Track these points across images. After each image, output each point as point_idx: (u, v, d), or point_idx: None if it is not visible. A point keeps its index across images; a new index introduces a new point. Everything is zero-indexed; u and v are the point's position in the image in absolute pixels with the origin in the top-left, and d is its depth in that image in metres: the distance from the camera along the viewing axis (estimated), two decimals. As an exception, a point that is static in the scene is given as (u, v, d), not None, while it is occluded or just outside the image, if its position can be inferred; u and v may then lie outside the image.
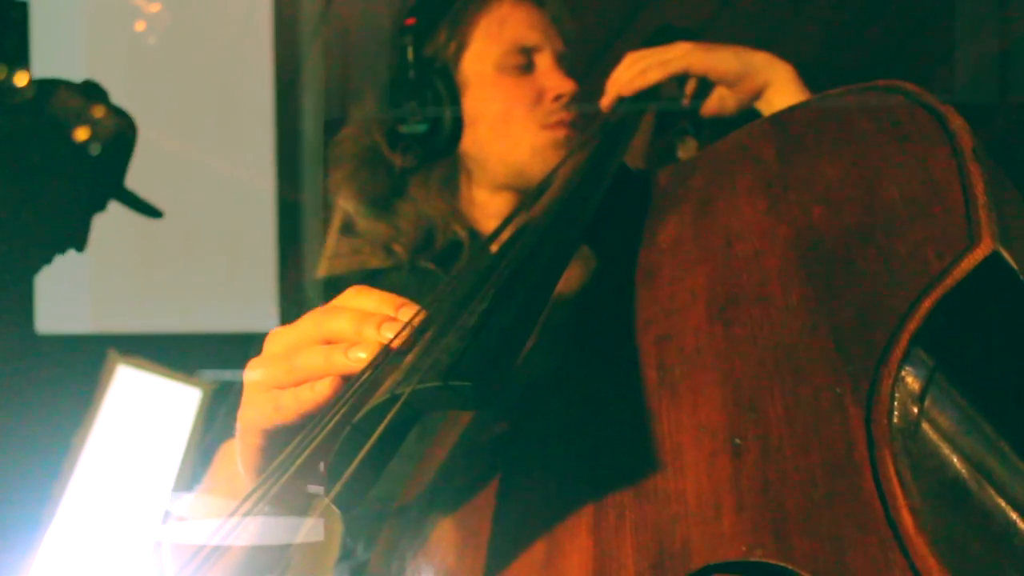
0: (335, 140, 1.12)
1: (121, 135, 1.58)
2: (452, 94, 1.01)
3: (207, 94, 1.69)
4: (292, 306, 1.22)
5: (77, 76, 1.50)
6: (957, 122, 0.46)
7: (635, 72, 0.97)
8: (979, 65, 1.76)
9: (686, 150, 1.03)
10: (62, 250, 1.53)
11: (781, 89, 0.96)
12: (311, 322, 0.51)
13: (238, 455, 0.56)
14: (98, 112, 1.54)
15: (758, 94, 0.97)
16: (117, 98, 1.52)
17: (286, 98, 1.61)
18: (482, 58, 1.02)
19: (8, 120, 1.43)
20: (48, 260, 1.49)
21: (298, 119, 1.64)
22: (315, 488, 0.45)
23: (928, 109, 0.48)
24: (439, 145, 1.01)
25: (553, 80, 1.01)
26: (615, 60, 1.14)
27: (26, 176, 1.43)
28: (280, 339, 0.52)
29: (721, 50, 0.97)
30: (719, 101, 0.99)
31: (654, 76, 0.97)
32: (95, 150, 1.54)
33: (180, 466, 1.58)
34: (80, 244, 1.55)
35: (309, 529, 0.49)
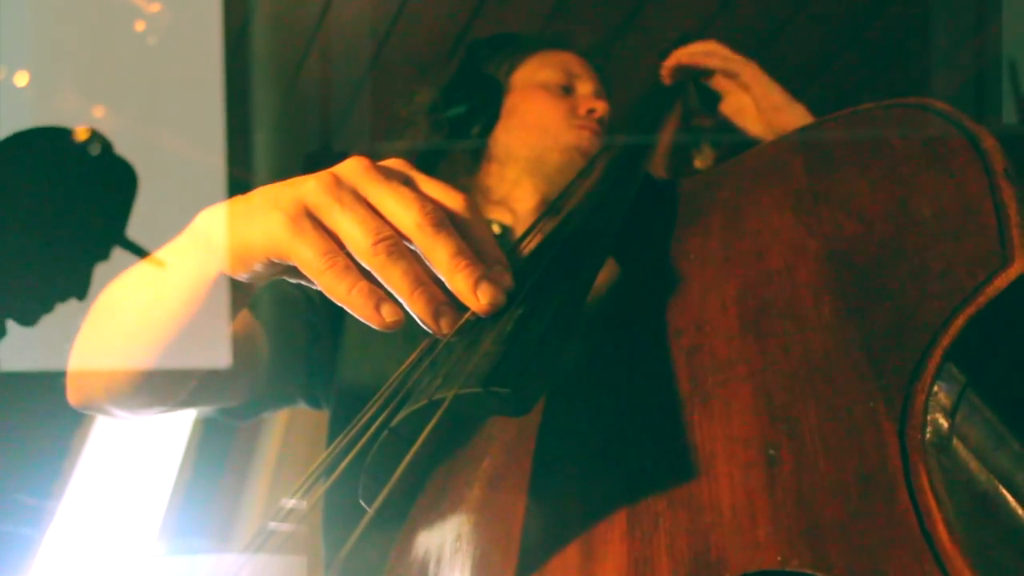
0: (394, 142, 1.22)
1: (124, 184, 1.61)
2: (497, 95, 1.09)
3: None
4: None
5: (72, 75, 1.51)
6: (989, 142, 0.46)
7: (700, 50, 1.06)
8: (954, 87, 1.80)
9: (702, 159, 1.05)
10: (64, 299, 1.55)
11: None
12: (422, 210, 0.45)
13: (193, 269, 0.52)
14: (104, 162, 1.57)
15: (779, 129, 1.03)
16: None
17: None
18: (531, 74, 1.11)
19: (22, 172, 1.46)
20: (49, 309, 1.51)
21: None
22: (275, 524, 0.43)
23: (959, 128, 0.49)
24: (472, 125, 1.09)
25: (589, 100, 1.08)
26: (615, 60, 1.20)
27: (37, 226, 1.45)
28: (383, 195, 0.46)
29: (774, 82, 1.05)
30: (738, 108, 1.03)
31: (713, 63, 1.05)
32: (101, 199, 1.57)
33: (180, 467, 1.59)
34: (82, 293, 1.57)
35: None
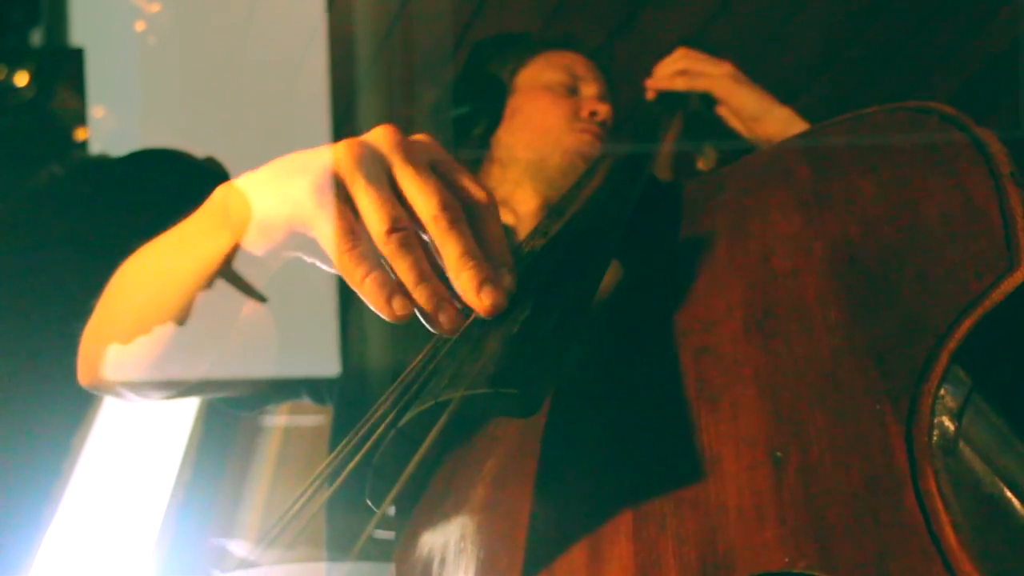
0: None
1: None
2: (501, 95, 1.09)
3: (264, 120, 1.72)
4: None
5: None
6: (996, 146, 0.47)
7: (670, 71, 1.07)
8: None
9: (705, 161, 1.05)
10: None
11: None
12: (440, 203, 0.45)
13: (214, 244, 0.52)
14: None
15: (763, 137, 1.03)
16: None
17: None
18: (536, 75, 1.11)
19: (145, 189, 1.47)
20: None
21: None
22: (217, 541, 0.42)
23: (965, 132, 0.49)
24: (475, 125, 1.09)
25: (592, 103, 1.08)
26: (616, 61, 1.20)
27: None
28: (407, 178, 0.46)
29: (749, 88, 1.04)
30: (728, 113, 1.04)
31: (680, 85, 1.06)
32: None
33: (180, 466, 1.59)
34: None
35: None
